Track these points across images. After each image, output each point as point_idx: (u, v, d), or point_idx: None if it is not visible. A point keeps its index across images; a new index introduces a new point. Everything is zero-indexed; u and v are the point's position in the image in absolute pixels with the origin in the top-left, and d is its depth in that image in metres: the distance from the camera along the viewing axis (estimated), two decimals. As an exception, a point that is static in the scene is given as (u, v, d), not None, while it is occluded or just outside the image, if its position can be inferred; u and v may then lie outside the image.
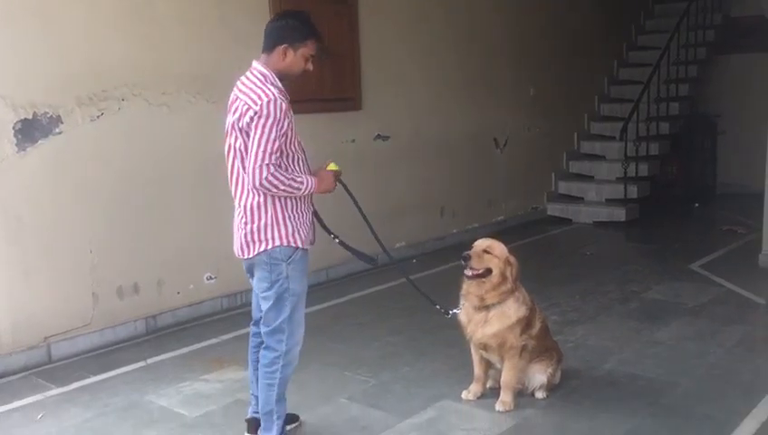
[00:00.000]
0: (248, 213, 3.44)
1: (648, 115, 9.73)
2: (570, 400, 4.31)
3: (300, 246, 3.47)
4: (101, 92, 5.34)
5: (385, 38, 7.51)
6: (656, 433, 3.90)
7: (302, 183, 3.43)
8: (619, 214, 9.51)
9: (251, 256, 3.47)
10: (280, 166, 3.37)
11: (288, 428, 3.77)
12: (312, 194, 3.54)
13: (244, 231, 3.47)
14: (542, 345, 4.26)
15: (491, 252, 4.06)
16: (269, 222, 3.42)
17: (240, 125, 3.37)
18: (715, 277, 6.83)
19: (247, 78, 3.47)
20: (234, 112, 3.43)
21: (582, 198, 10.07)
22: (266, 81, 3.42)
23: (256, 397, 3.74)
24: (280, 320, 3.48)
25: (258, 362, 3.66)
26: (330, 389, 4.55)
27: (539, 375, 4.26)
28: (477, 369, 4.29)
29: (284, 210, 3.43)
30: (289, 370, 3.59)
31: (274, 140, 3.31)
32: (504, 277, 4.04)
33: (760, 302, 6.01)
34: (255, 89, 3.39)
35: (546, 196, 10.11)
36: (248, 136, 3.34)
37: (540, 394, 4.30)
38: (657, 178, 10.22)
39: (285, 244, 3.43)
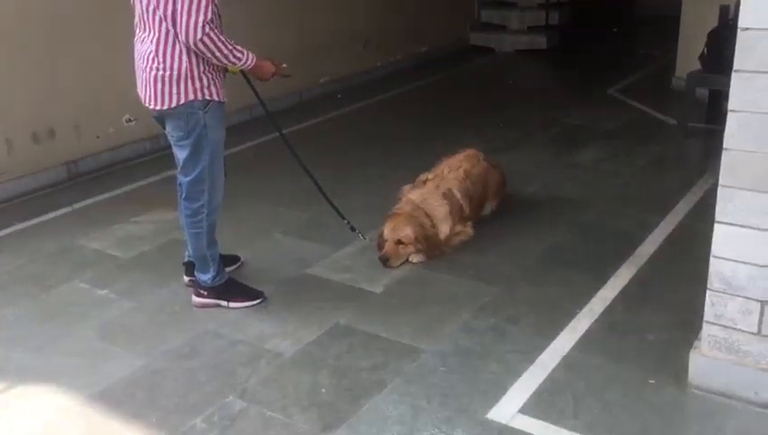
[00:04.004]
0: (162, 56, 3.21)
1: (571, -63, 9.51)
2: (497, 221, 4.52)
3: (215, 98, 3.33)
4: None
5: None
6: (575, 247, 4.17)
7: (241, 56, 3.26)
8: (541, 42, 9.53)
9: (164, 107, 3.29)
10: (215, 26, 3.15)
11: (229, 269, 3.82)
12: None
13: (154, 77, 3.24)
14: (479, 189, 4.39)
15: (404, 242, 3.96)
16: (184, 74, 3.22)
17: None
18: (631, 101, 7.06)
19: None
20: None
21: (505, 27, 9.98)
22: None
23: None
24: (199, 169, 3.40)
25: None
26: (263, 224, 4.61)
27: (487, 207, 4.54)
28: None
29: (200, 63, 3.23)
30: (214, 216, 3.56)
31: None
32: (419, 243, 3.98)
33: (671, 123, 6.28)
34: None
35: (469, 25, 9.96)
36: None
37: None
38: (578, 4, 10.16)
39: (200, 97, 3.28)
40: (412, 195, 4.25)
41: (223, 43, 3.18)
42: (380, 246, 4.05)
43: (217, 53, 3.19)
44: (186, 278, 3.86)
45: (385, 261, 3.97)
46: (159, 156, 5.81)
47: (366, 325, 3.43)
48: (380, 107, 7.37)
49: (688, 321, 3.11)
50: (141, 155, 5.97)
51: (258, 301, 3.67)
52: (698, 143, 5.93)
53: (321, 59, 7.55)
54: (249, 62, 3.32)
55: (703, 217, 3.43)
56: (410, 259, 4.04)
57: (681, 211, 4.53)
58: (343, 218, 4.25)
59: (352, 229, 4.25)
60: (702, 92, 6.13)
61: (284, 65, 3.57)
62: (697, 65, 5.97)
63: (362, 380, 3.03)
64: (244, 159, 5.72)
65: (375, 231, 4.22)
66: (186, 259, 3.85)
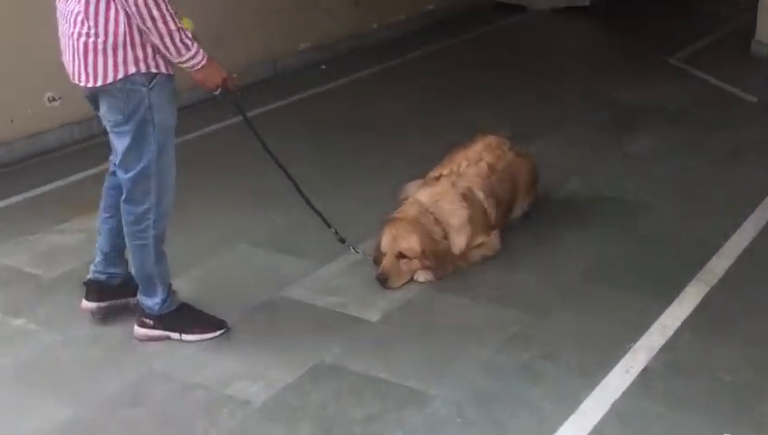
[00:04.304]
0: (93, 19, 3.20)
1: None
2: (528, 227, 4.54)
3: (162, 71, 3.34)
4: None
5: None
6: (628, 262, 4.18)
7: (190, 44, 3.24)
8: (583, -3, 9.59)
9: (97, 84, 3.29)
10: None
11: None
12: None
13: (84, 44, 3.23)
14: (506, 187, 4.43)
15: (407, 255, 3.98)
16: (122, 40, 3.21)
17: None
18: (699, 72, 7.11)
19: None
20: None
21: (538, -22, 10.03)
22: None
23: (105, 253, 3.72)
24: (143, 163, 3.40)
25: (113, 206, 3.61)
26: (226, 233, 4.62)
27: (516, 209, 4.56)
28: None
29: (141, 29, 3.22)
30: (163, 223, 3.56)
31: None
32: (427, 258, 4.00)
33: (751, 100, 6.31)
34: None
35: (492, -25, 10.01)
36: None
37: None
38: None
39: (144, 69, 3.28)
40: (420, 195, 4.24)
41: (170, 13, 3.15)
42: (377, 261, 4.06)
43: (159, 24, 3.14)
44: (87, 304, 3.77)
45: (383, 280, 3.97)
46: (92, 144, 5.84)
47: (358, 364, 3.43)
48: (376, 81, 7.40)
49: (773, 357, 3.13)
50: (68, 144, 6.00)
51: (219, 332, 3.67)
52: (786, 127, 5.97)
53: (301, 19, 7.57)
54: (199, 57, 3.29)
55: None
56: (416, 278, 4.05)
57: (763, 216, 4.55)
58: (329, 226, 4.25)
59: (341, 241, 4.25)
60: (791, 61, 6.16)
61: (235, 75, 3.58)
62: (784, 27, 6.00)
63: (354, 434, 3.03)
64: (202, 149, 5.73)
65: (370, 242, 4.23)
66: (91, 276, 3.77)
